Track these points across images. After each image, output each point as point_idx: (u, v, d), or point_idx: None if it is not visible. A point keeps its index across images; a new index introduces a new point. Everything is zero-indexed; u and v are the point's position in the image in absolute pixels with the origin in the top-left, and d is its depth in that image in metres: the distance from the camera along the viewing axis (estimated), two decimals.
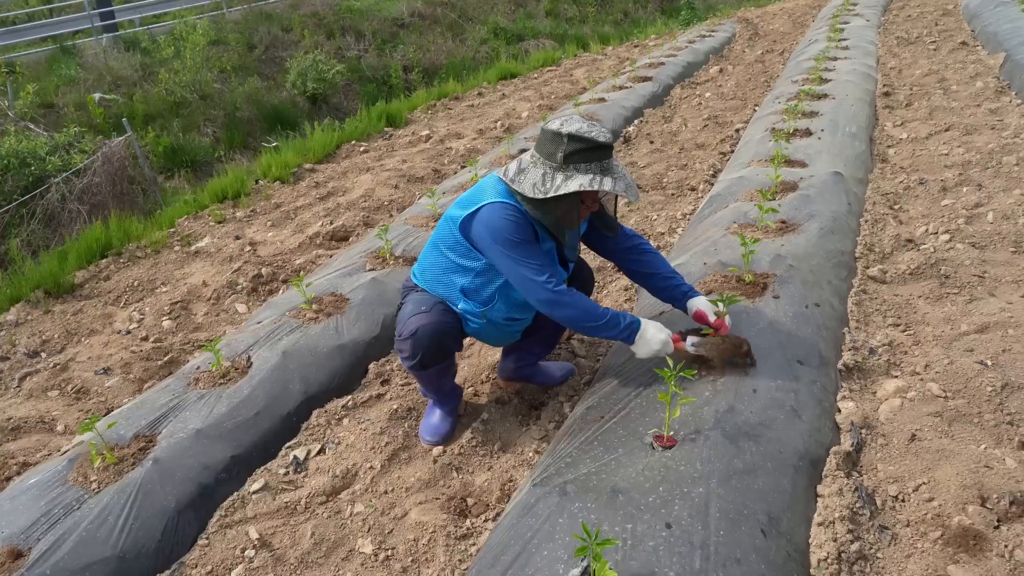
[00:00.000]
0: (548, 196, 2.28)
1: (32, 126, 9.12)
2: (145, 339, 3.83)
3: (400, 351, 2.54)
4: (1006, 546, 1.93)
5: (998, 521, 2.02)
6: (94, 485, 2.51)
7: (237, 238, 5.00)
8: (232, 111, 11.96)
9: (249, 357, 3.18)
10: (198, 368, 3.17)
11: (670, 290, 2.67)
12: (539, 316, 2.71)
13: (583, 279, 2.79)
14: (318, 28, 15.06)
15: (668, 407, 2.21)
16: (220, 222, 5.38)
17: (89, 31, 15.98)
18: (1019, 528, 1.97)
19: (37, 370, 3.61)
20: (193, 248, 4.93)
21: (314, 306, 3.51)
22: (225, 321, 3.97)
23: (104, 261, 4.83)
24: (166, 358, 3.61)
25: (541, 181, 2.30)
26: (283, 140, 8.97)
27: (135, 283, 4.50)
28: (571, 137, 2.27)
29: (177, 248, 4.98)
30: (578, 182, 2.26)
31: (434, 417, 2.78)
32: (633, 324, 2.42)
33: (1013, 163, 4.38)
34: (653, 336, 2.42)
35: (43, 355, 3.79)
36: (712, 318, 2.54)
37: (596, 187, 2.26)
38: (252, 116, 12.10)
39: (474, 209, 2.38)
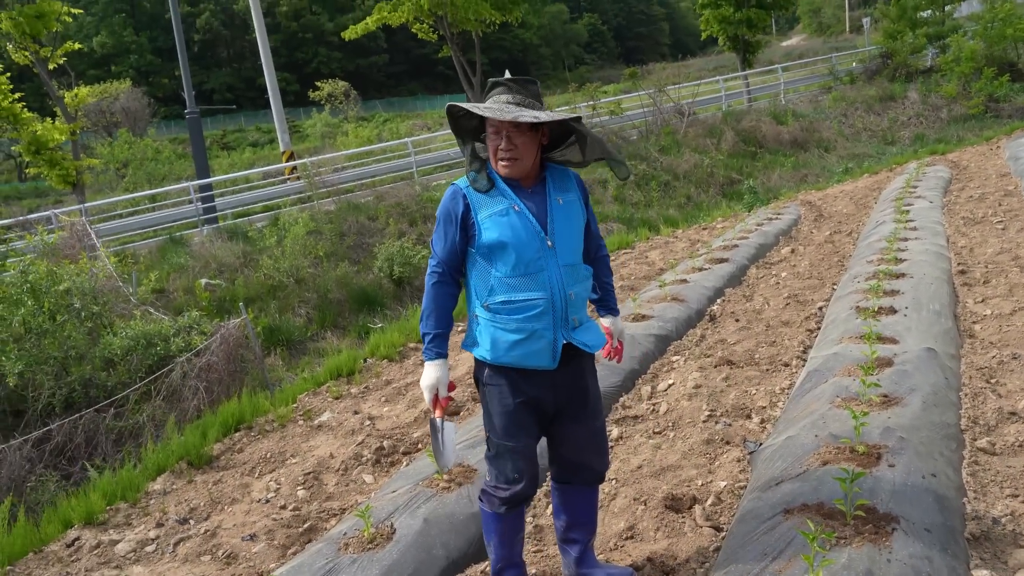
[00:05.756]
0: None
1: (152, 310, 9.98)
2: (284, 507, 4.12)
3: (498, 489, 2.69)
4: None
5: None
6: None
7: (356, 413, 5.39)
8: (324, 293, 12.84)
9: (392, 524, 3.43)
10: (344, 534, 3.43)
11: (600, 301, 2.91)
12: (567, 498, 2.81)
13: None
14: (401, 216, 16.29)
15: (811, 567, 2.37)
16: (337, 398, 5.81)
17: (195, 223, 17.65)
18: None
19: (189, 536, 3.91)
20: (316, 422, 5.32)
21: (445, 476, 3.78)
22: (355, 491, 4.26)
23: (237, 434, 5.24)
24: (305, 525, 3.88)
25: None
26: (387, 320, 9.59)
27: (267, 455, 4.87)
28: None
29: (301, 422, 5.38)
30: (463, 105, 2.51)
31: None
32: (426, 356, 2.63)
33: None
34: (426, 375, 2.62)
35: (192, 522, 4.11)
36: (616, 341, 2.93)
37: (466, 107, 2.49)
38: (342, 298, 12.94)
39: None
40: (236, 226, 16.29)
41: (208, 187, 18.21)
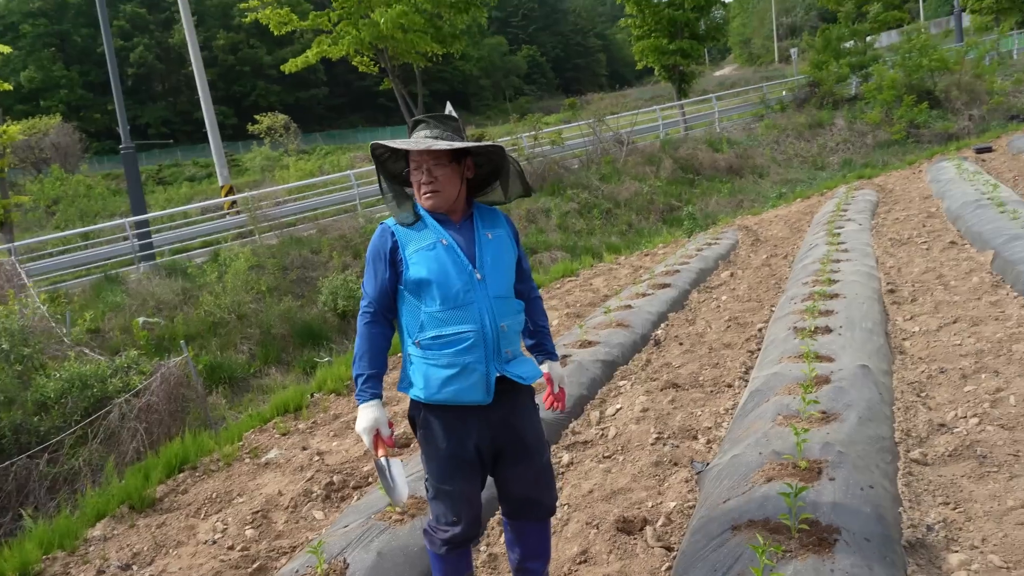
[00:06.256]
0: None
1: (87, 351, 9.67)
2: (231, 548, 4.03)
3: (437, 531, 2.69)
4: None
5: None
6: None
7: (304, 448, 5.32)
8: (267, 329, 12.64)
9: (345, 559, 3.39)
10: (296, 572, 3.38)
11: (537, 345, 2.86)
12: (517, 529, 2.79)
13: None
14: (345, 249, 16.18)
15: None
16: (285, 434, 5.72)
17: (131, 260, 17.20)
18: None
19: None
20: (263, 460, 5.23)
21: (398, 509, 3.76)
22: (305, 528, 4.19)
23: (181, 475, 5.11)
24: (255, 565, 3.80)
25: None
26: (333, 355, 9.48)
27: (213, 495, 4.76)
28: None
29: (248, 460, 5.28)
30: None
31: None
32: (360, 399, 2.57)
33: (1023, 350, 4.79)
34: (362, 418, 2.56)
35: (135, 568, 3.98)
36: (556, 388, 2.82)
37: (385, 144, 2.56)
38: (286, 333, 12.75)
39: None
40: (175, 263, 15.94)
41: (145, 223, 17.77)
